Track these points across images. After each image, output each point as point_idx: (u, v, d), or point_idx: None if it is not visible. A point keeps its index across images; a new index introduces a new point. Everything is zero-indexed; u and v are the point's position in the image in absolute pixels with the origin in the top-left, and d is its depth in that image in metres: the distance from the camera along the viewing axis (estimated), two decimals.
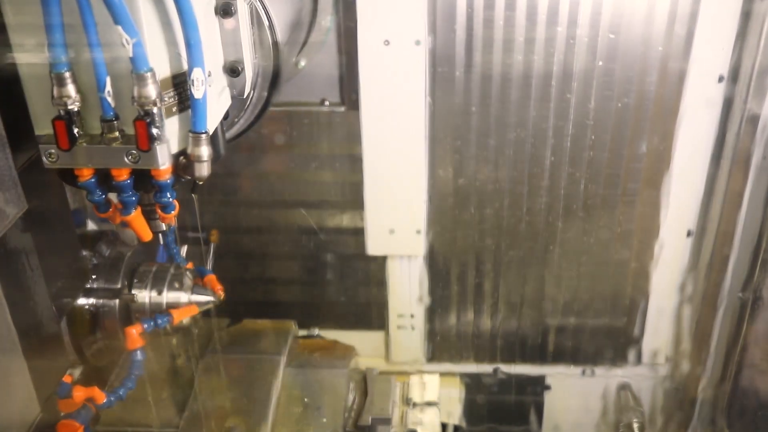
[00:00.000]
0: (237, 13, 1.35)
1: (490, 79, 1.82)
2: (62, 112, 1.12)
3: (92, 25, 1.07)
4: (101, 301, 1.55)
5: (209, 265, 1.83)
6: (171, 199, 1.29)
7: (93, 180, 1.23)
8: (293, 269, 2.16)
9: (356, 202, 2.01)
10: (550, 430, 2.36)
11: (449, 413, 2.23)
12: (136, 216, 1.31)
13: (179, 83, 1.19)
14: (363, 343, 2.21)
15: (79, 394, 1.43)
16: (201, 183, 1.28)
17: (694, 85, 1.79)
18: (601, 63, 1.78)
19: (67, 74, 1.10)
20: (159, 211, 1.33)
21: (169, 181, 1.22)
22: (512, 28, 1.75)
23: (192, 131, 1.20)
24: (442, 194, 1.99)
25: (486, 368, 2.27)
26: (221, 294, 1.63)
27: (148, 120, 1.11)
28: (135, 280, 1.60)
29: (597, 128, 1.87)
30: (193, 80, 1.16)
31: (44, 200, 1.36)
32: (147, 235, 1.34)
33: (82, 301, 1.53)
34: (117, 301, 1.56)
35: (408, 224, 2.01)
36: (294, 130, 1.96)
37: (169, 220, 1.35)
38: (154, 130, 1.13)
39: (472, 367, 2.27)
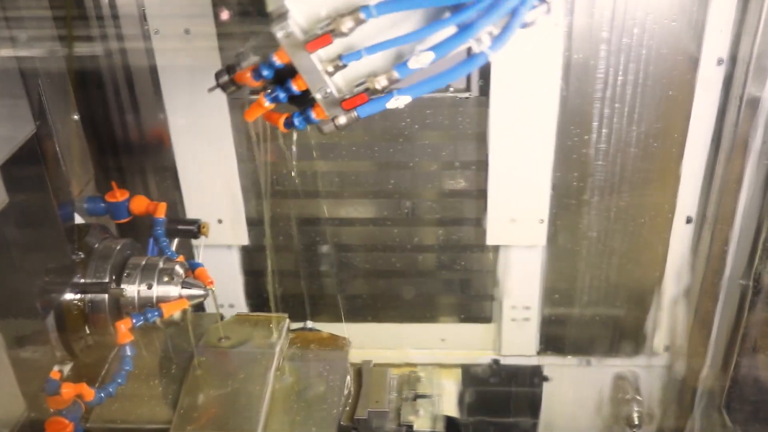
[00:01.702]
0: None
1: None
2: None
3: None
4: (89, 295, 1.53)
5: (199, 258, 1.80)
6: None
7: None
8: (405, 260, 2.15)
9: (472, 192, 2.00)
10: (549, 422, 2.34)
11: (447, 405, 2.21)
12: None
13: None
14: (472, 336, 2.22)
15: (68, 390, 1.41)
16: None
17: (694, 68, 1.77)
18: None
19: None
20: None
21: None
22: None
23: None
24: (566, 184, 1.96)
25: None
26: (212, 287, 1.60)
27: None
28: (124, 274, 1.57)
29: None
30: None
31: (27, 194, 1.34)
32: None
33: (69, 296, 1.51)
34: (106, 295, 1.53)
35: (530, 213, 1.98)
36: (416, 116, 1.93)
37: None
38: None
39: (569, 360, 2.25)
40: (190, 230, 1.77)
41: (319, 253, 2.16)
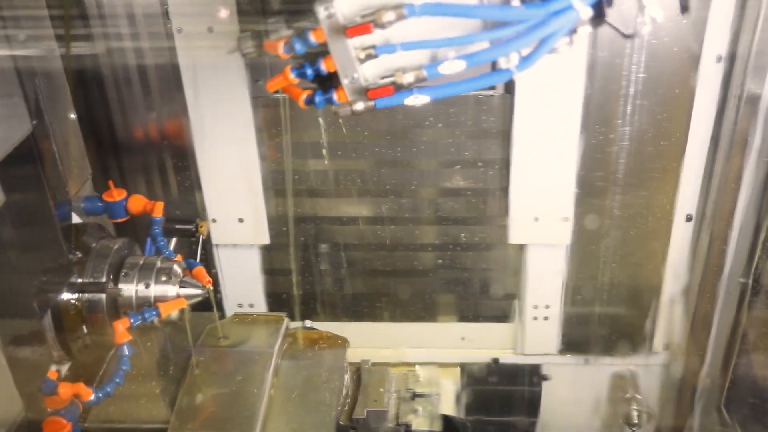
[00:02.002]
0: None
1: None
2: None
3: None
4: (87, 295, 1.52)
5: (197, 257, 1.80)
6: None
7: None
8: (428, 259, 2.15)
9: (493, 190, 2.00)
10: (548, 421, 2.34)
11: (446, 404, 2.21)
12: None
13: None
14: (492, 335, 2.21)
15: (65, 390, 1.40)
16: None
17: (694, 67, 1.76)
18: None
19: None
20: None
21: None
22: None
23: None
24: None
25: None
26: (210, 286, 1.60)
27: None
28: (122, 274, 1.57)
29: None
30: None
31: (23, 194, 1.33)
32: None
33: (67, 295, 1.51)
34: (103, 295, 1.53)
35: (554, 211, 1.97)
36: (440, 115, 1.93)
37: None
38: None
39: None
40: (187, 229, 1.77)
41: (343, 254, 2.16)
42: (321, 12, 1.11)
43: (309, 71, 1.19)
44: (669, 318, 2.13)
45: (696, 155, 1.89)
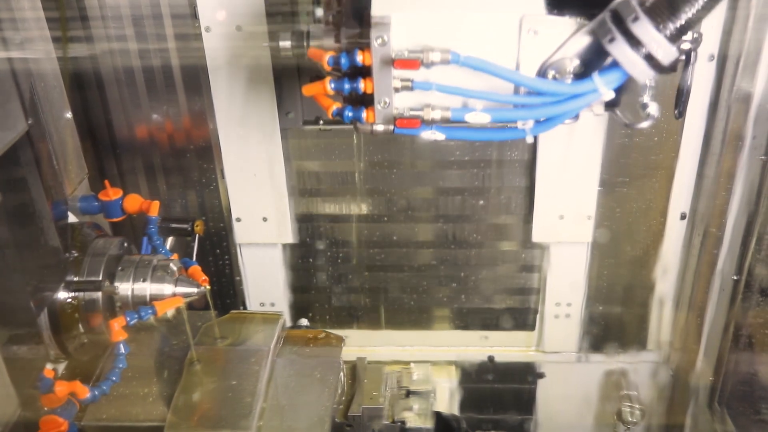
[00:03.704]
0: None
1: None
2: None
3: None
4: (83, 294, 1.53)
5: (194, 256, 1.80)
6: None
7: None
8: (450, 256, 2.16)
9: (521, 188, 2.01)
10: (545, 418, 2.34)
11: (442, 402, 2.21)
12: None
13: None
14: (513, 333, 2.23)
15: (61, 389, 1.41)
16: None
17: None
18: None
19: None
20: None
21: None
22: None
23: None
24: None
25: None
26: (206, 285, 1.61)
27: None
28: (118, 273, 1.57)
29: None
30: None
31: (19, 193, 1.34)
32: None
33: (63, 294, 1.51)
34: (99, 293, 1.54)
35: (578, 209, 1.98)
36: None
37: None
38: None
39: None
40: (183, 229, 1.77)
41: (370, 253, 2.18)
42: (376, 40, 1.20)
43: (347, 86, 1.26)
44: (662, 315, 2.13)
45: (689, 154, 1.90)
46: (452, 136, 1.29)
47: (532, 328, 2.24)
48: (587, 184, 1.95)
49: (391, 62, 1.21)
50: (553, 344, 2.23)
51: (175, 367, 1.69)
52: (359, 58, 1.22)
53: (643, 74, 1.19)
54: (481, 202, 2.05)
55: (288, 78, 1.85)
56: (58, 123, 1.66)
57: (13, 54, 1.47)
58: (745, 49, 1.67)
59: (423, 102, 1.27)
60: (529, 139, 1.30)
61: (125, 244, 1.65)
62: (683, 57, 1.25)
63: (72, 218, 1.67)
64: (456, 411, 2.32)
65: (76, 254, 1.55)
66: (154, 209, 1.70)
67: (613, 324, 2.18)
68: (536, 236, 2.04)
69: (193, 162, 1.99)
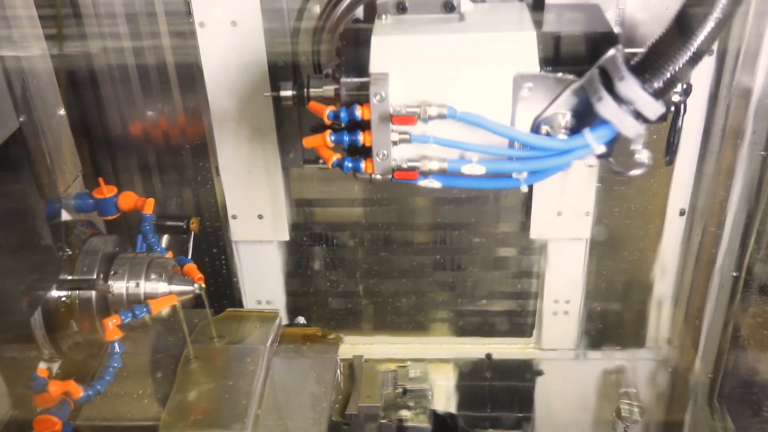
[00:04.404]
0: None
1: None
2: None
3: None
4: (77, 292, 1.52)
5: (189, 254, 1.79)
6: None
7: None
8: (442, 255, 2.15)
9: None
10: (543, 415, 2.34)
11: (440, 400, 2.21)
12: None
13: None
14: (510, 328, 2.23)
15: (55, 388, 1.40)
16: None
17: None
18: None
19: None
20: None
21: None
22: None
23: None
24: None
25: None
26: (201, 283, 1.59)
27: None
28: (112, 271, 1.56)
29: None
30: None
31: (11, 191, 1.33)
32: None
33: (56, 293, 1.50)
34: (93, 292, 1.53)
35: (576, 206, 1.97)
36: None
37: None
38: None
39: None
40: (179, 226, 1.76)
41: (367, 251, 2.17)
42: (374, 97, 1.25)
43: (346, 139, 1.30)
44: (661, 312, 2.13)
45: (689, 149, 1.88)
46: (449, 184, 1.34)
47: (529, 334, 2.25)
48: (585, 181, 1.94)
49: (389, 118, 1.26)
50: (552, 342, 2.21)
51: (171, 366, 1.68)
52: (358, 112, 1.27)
53: (632, 130, 1.22)
54: (479, 198, 2.04)
55: (283, 75, 1.85)
56: (52, 120, 1.65)
57: (5, 52, 1.46)
58: (745, 43, 1.66)
59: (420, 153, 1.31)
60: (524, 189, 1.34)
61: (119, 242, 1.64)
62: (673, 108, 1.31)
63: (66, 216, 1.66)
64: (453, 409, 2.32)
65: (69, 252, 1.54)
66: (149, 207, 1.69)
67: (611, 321, 2.17)
68: (534, 233, 2.02)
69: (188, 159, 1.98)
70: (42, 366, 1.48)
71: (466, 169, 1.29)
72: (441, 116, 1.26)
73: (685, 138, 1.86)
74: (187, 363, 1.67)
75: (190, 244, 1.77)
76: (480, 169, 1.29)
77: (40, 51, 1.65)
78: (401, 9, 1.44)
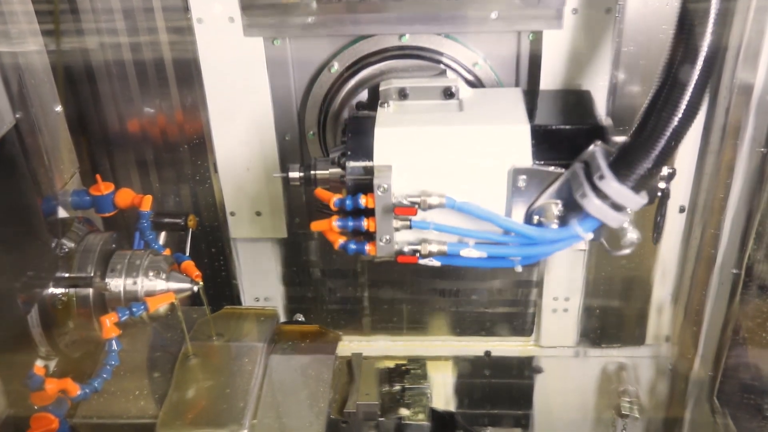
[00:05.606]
0: None
1: None
2: None
3: None
4: (74, 290, 1.51)
5: (186, 251, 1.78)
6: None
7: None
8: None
9: None
10: (543, 412, 2.34)
11: (439, 398, 2.20)
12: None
13: None
14: (509, 326, 2.22)
15: (52, 386, 1.40)
16: None
17: None
18: None
19: None
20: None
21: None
22: None
23: None
24: None
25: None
26: (199, 280, 1.59)
27: None
28: (109, 268, 1.56)
29: None
30: None
31: (8, 187, 1.32)
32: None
33: (53, 290, 1.49)
34: (90, 290, 1.52)
35: None
36: None
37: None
38: None
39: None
40: (176, 223, 1.75)
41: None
42: (378, 189, 1.35)
43: (350, 224, 1.39)
44: (661, 310, 2.12)
45: (689, 146, 1.87)
46: (447, 262, 1.43)
47: (529, 332, 2.24)
48: None
49: (392, 208, 1.35)
50: (551, 339, 2.21)
51: (168, 364, 1.68)
52: (362, 201, 1.36)
53: (617, 222, 1.31)
54: None
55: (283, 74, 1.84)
56: (48, 117, 1.64)
57: (1, 48, 1.46)
58: (746, 40, 1.65)
59: (421, 237, 1.41)
60: (518, 269, 1.43)
61: (117, 240, 1.63)
62: (658, 194, 1.39)
63: (63, 213, 1.65)
64: (453, 407, 2.31)
65: (66, 250, 1.54)
66: (146, 204, 1.69)
67: (611, 319, 2.16)
68: None
69: (186, 156, 1.97)
70: (39, 364, 1.47)
71: (464, 253, 1.39)
72: (441, 206, 1.35)
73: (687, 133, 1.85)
74: (185, 360, 1.67)
75: (188, 242, 1.77)
76: (477, 253, 1.38)
77: (37, 47, 1.65)
78: (403, 95, 1.53)
